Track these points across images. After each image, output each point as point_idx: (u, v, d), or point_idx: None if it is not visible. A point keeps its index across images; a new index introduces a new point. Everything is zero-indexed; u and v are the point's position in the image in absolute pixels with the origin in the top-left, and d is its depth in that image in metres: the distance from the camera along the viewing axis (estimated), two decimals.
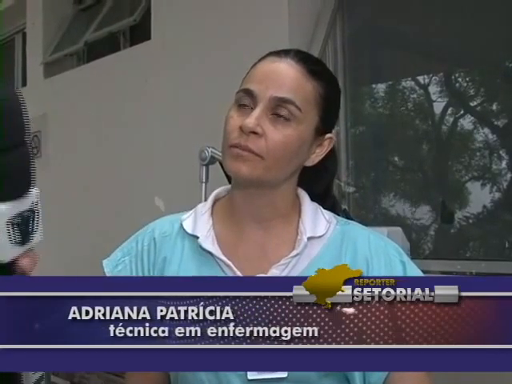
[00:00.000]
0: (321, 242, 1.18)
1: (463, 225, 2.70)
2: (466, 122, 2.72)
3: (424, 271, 1.23)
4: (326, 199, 1.27)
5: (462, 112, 2.77)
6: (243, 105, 1.14)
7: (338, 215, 1.26)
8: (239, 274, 1.14)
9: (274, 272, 1.14)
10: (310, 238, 1.16)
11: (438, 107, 2.83)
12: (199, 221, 1.21)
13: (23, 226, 0.72)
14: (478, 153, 2.66)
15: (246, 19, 3.03)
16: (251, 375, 1.08)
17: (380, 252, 1.18)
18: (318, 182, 1.26)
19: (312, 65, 1.17)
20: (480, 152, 2.65)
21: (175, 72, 3.41)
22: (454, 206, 2.72)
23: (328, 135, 1.20)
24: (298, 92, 1.12)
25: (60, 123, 4.37)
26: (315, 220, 1.19)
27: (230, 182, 1.27)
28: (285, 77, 1.13)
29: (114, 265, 1.24)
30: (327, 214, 1.22)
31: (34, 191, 0.71)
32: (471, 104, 2.81)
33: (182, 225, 1.22)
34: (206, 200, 1.29)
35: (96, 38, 4.34)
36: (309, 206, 1.21)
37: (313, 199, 1.24)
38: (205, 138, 2.24)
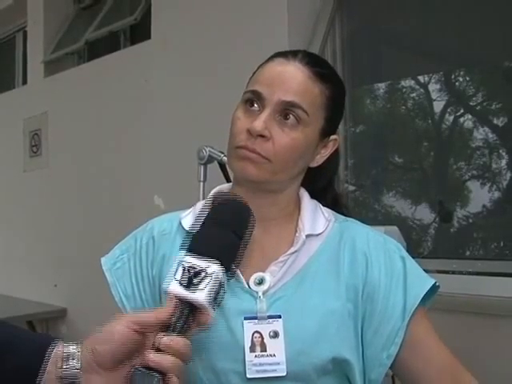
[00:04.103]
0: (319, 239, 1.19)
1: (463, 224, 2.70)
2: (466, 121, 2.72)
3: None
4: (326, 195, 1.29)
5: (461, 111, 2.77)
6: (251, 106, 1.15)
7: (341, 212, 1.27)
8: (238, 271, 1.15)
9: (273, 269, 1.15)
10: (308, 236, 1.18)
11: (437, 106, 2.82)
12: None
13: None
14: (477, 152, 2.66)
15: (246, 19, 3.03)
16: (250, 374, 1.09)
17: (379, 248, 1.19)
18: (320, 179, 1.28)
19: (319, 67, 1.18)
20: (480, 151, 2.65)
21: (175, 71, 3.41)
22: (453, 205, 2.72)
23: (332, 137, 1.22)
24: (305, 96, 1.13)
25: (60, 121, 4.37)
26: (314, 217, 1.21)
27: (227, 182, 1.28)
28: (292, 80, 1.14)
29: (113, 262, 1.24)
30: (326, 211, 1.24)
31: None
32: (471, 103, 2.81)
33: (180, 222, 1.22)
34: (204, 198, 1.29)
35: (96, 36, 4.34)
36: (308, 204, 1.23)
37: (314, 195, 1.25)
38: (203, 138, 2.25)
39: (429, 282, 1.18)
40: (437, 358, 1.16)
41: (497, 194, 2.59)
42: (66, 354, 0.91)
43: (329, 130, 1.20)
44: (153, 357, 0.86)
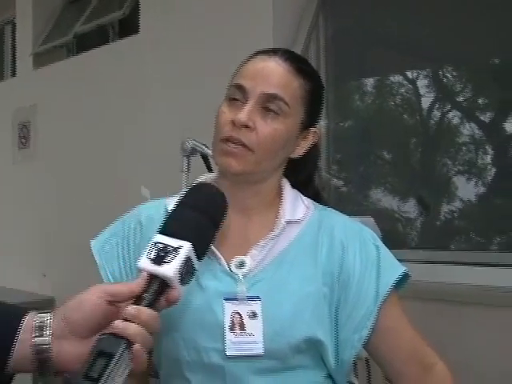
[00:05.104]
0: (299, 225, 1.24)
1: (447, 217, 2.73)
2: (453, 117, 2.75)
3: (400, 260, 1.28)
4: (308, 188, 1.34)
5: (449, 107, 2.80)
6: (234, 100, 1.20)
7: (322, 204, 1.32)
8: (220, 256, 1.19)
9: (254, 253, 1.19)
10: (288, 222, 1.22)
11: (425, 102, 2.85)
12: None
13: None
14: (464, 147, 2.69)
15: (232, 16, 3.06)
16: (229, 352, 1.14)
17: (355, 236, 1.24)
18: (301, 171, 1.32)
19: (298, 63, 1.24)
20: (466, 147, 2.68)
21: (162, 65, 3.44)
22: (439, 200, 2.76)
23: (312, 129, 1.27)
24: (286, 88, 1.19)
25: (49, 114, 4.38)
26: (294, 205, 1.26)
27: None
28: (274, 74, 1.20)
29: (101, 245, 1.27)
30: (306, 200, 1.29)
31: None
32: (458, 99, 2.84)
33: (166, 208, 1.25)
34: None
35: (85, 30, 4.35)
36: (289, 192, 1.28)
37: (296, 187, 1.30)
38: (188, 130, 2.28)
39: (400, 269, 1.23)
40: (405, 343, 1.22)
41: (482, 189, 2.63)
42: (38, 323, 0.93)
43: (308, 122, 1.25)
44: (117, 323, 0.88)
